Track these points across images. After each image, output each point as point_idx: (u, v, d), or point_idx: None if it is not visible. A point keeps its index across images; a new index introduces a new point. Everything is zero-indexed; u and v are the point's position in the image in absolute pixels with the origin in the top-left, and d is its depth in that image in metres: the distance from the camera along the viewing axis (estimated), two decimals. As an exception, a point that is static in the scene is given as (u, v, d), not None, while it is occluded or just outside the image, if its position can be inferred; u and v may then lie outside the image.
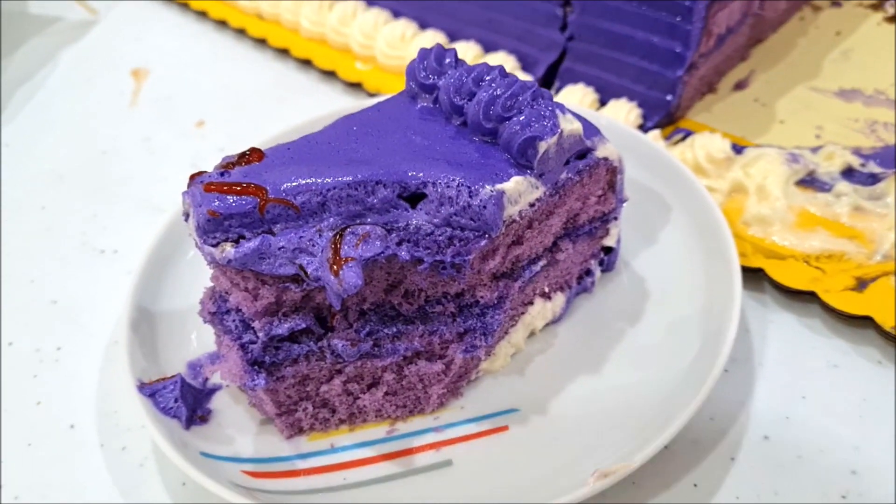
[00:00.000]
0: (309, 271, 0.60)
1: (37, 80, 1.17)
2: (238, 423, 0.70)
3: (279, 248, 0.60)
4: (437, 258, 0.62)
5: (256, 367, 0.64)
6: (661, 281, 0.77)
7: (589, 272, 0.76)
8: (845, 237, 0.79)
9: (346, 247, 0.60)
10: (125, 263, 0.88)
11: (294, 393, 0.67)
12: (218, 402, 0.71)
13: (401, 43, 1.08)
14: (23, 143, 1.07)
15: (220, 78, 1.14)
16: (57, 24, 1.28)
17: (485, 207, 0.61)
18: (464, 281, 0.64)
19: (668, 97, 0.92)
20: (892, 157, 0.86)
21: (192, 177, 0.64)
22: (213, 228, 0.60)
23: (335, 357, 0.66)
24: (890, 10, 1.09)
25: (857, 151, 0.87)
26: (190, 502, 0.68)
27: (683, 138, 0.91)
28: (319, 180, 0.61)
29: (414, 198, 0.62)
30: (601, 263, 0.77)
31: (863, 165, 0.85)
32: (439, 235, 0.62)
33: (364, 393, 0.68)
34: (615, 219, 0.75)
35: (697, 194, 0.79)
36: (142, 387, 0.68)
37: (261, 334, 0.63)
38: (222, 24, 1.24)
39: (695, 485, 0.66)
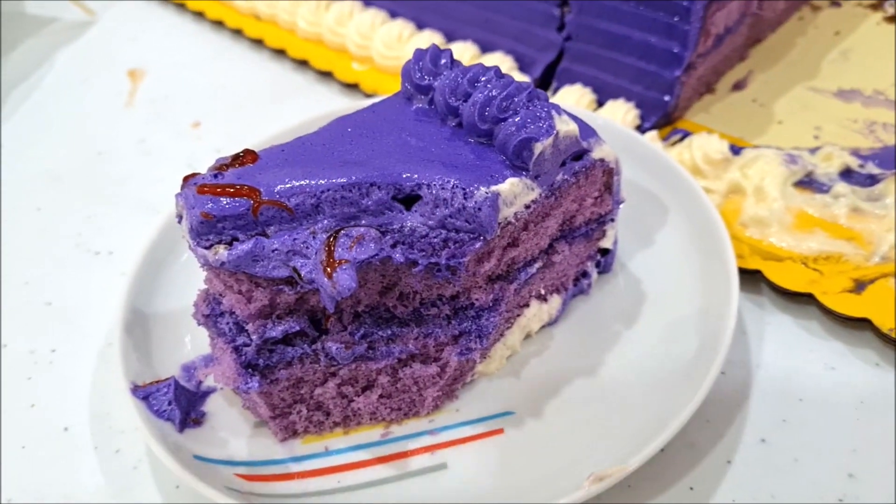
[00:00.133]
0: (303, 274, 0.60)
1: (33, 81, 1.16)
2: (232, 425, 0.69)
3: (273, 251, 0.60)
4: (432, 260, 0.62)
5: (250, 370, 0.64)
6: (658, 283, 0.77)
7: (585, 274, 0.76)
8: (843, 239, 0.79)
9: (340, 249, 0.59)
10: (120, 265, 0.88)
11: (288, 396, 0.67)
12: (212, 405, 0.70)
13: (397, 43, 1.07)
14: (19, 143, 1.06)
15: (216, 78, 1.14)
16: (53, 25, 1.28)
17: (480, 209, 0.60)
18: (459, 283, 0.64)
19: (666, 98, 0.92)
20: (891, 158, 0.86)
21: (186, 179, 0.64)
22: (207, 230, 0.60)
23: (329, 360, 0.65)
24: (889, 10, 1.09)
25: (855, 152, 0.87)
26: (184, 505, 0.68)
27: (681, 139, 0.91)
28: (313, 182, 0.60)
29: (408, 199, 0.62)
30: (598, 265, 0.77)
31: (861, 166, 0.85)
32: (434, 237, 0.61)
33: (358, 396, 0.68)
34: (612, 220, 0.75)
35: (694, 196, 0.79)
36: (135, 389, 0.68)
37: (254, 337, 0.63)
38: (219, 24, 1.24)
39: (691, 488, 0.65)
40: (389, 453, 0.67)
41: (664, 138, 0.92)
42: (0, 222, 0.95)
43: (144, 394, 0.67)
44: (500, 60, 1.02)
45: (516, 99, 0.64)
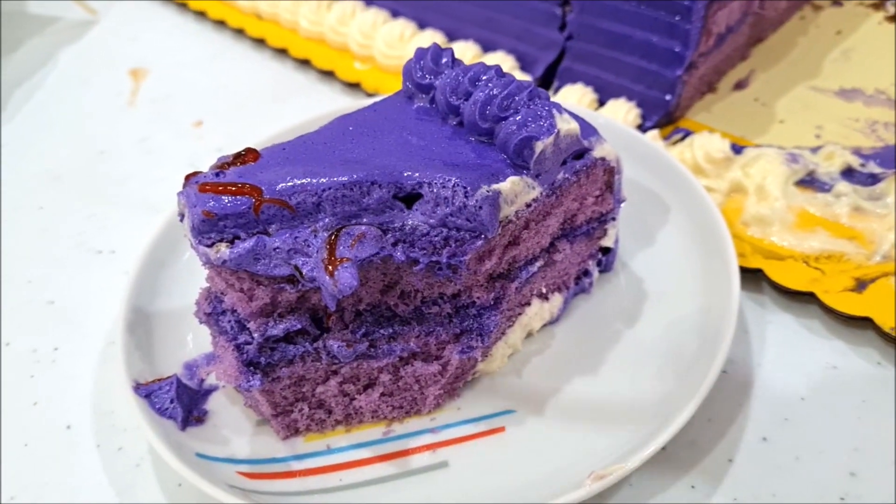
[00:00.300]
0: (304, 272, 0.60)
1: (35, 80, 1.17)
2: (234, 424, 0.69)
3: (274, 249, 0.60)
4: (433, 259, 0.62)
5: (252, 368, 0.64)
6: (660, 282, 0.77)
7: (587, 273, 0.76)
8: (845, 238, 0.79)
9: (341, 247, 0.60)
10: (122, 264, 0.88)
11: (290, 394, 0.67)
12: (214, 403, 0.71)
13: (399, 43, 1.08)
14: (21, 143, 1.06)
15: (218, 78, 1.14)
16: (56, 24, 1.28)
17: (481, 208, 0.61)
18: (460, 282, 0.64)
19: (668, 97, 0.92)
20: (893, 158, 0.86)
21: (188, 177, 0.64)
22: (208, 229, 0.60)
23: (331, 358, 0.66)
24: (891, 10, 1.09)
25: (857, 151, 0.87)
26: (186, 503, 0.68)
27: (682, 138, 0.91)
28: (315, 180, 0.60)
29: (410, 198, 0.62)
30: (599, 264, 0.77)
31: (863, 165, 0.85)
32: (435, 236, 0.62)
33: (360, 394, 0.68)
34: (613, 219, 0.75)
35: (696, 194, 0.79)
36: (138, 387, 0.68)
37: (256, 335, 0.63)
38: (221, 23, 1.24)
39: (692, 486, 0.65)
40: (391, 451, 0.67)
41: (665, 137, 0.92)
42: (2, 221, 0.95)
43: (146, 392, 0.68)
44: (502, 60, 1.02)
45: (517, 98, 0.64)
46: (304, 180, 0.61)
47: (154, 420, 0.66)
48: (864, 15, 1.09)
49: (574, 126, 0.65)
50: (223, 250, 0.60)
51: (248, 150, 0.65)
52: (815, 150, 0.88)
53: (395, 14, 1.12)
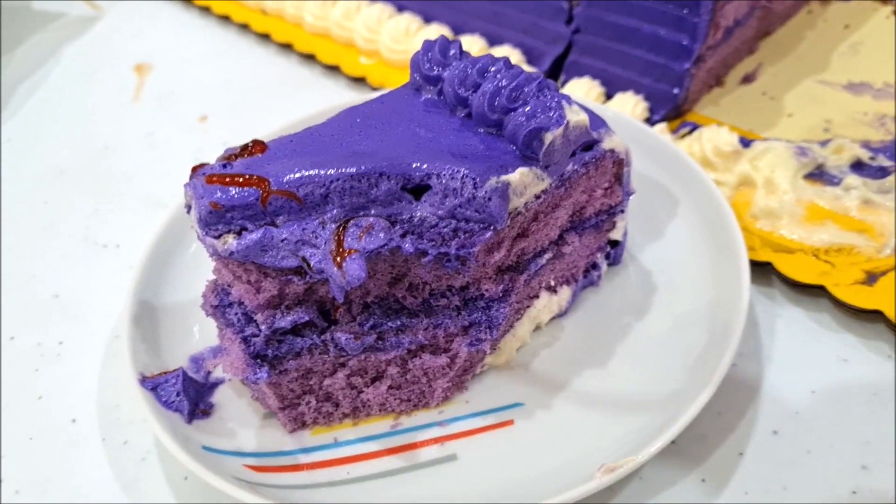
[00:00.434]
0: (312, 263, 0.59)
1: (39, 76, 1.16)
2: (241, 417, 0.69)
3: (282, 240, 0.60)
4: (442, 250, 0.62)
5: (259, 361, 0.64)
6: (668, 275, 0.76)
7: (595, 266, 0.76)
8: (854, 231, 0.78)
9: (349, 239, 0.59)
10: (127, 258, 0.88)
11: (297, 387, 0.66)
12: (220, 396, 0.70)
13: (405, 37, 1.07)
14: (25, 138, 1.06)
15: (223, 73, 1.14)
16: (60, 20, 1.28)
17: (490, 199, 0.60)
18: (468, 274, 0.63)
19: (675, 90, 0.91)
20: (902, 151, 0.85)
21: (195, 169, 0.63)
22: (216, 220, 0.60)
23: (338, 350, 0.65)
24: (898, 4, 1.09)
25: (866, 145, 0.86)
26: (192, 497, 0.67)
27: (690, 132, 0.90)
28: (322, 172, 0.60)
29: (418, 190, 0.61)
30: (607, 257, 0.77)
31: (872, 159, 0.84)
32: (444, 227, 0.61)
33: (368, 387, 0.68)
34: (622, 212, 0.74)
35: (705, 187, 0.78)
36: (143, 380, 0.67)
37: (263, 327, 0.62)
38: (225, 19, 1.24)
39: (703, 480, 0.65)
40: (399, 445, 0.67)
41: (673, 131, 0.91)
42: (7, 216, 0.95)
43: (153, 385, 0.67)
44: (508, 54, 1.01)
45: (526, 89, 0.63)
46: (311, 171, 0.60)
47: (160, 413, 0.65)
48: (871, 9, 1.08)
49: (583, 117, 0.64)
50: (230, 241, 0.59)
51: (255, 142, 0.65)
52: (823, 143, 0.87)
53: (401, 8, 1.12)
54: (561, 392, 0.68)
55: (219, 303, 0.66)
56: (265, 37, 1.18)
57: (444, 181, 0.60)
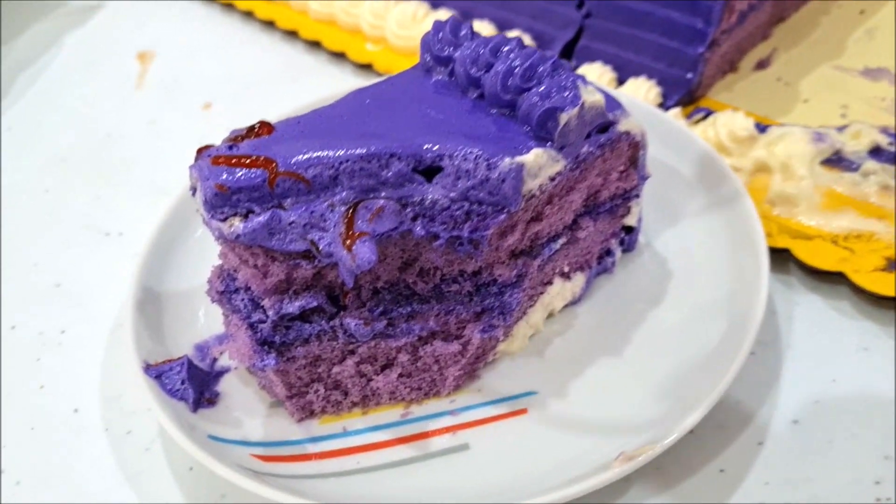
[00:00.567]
0: (321, 247, 0.58)
1: (40, 64, 1.15)
2: (247, 405, 0.67)
3: (290, 223, 0.58)
4: (454, 234, 0.60)
5: (266, 348, 0.62)
6: (684, 262, 0.74)
7: (609, 252, 0.74)
8: (874, 217, 0.77)
9: (359, 221, 0.58)
10: (130, 246, 0.86)
11: (305, 374, 0.65)
12: (226, 385, 0.69)
13: (412, 23, 1.05)
14: (26, 126, 1.05)
15: (227, 61, 1.12)
16: (61, 8, 1.26)
17: (504, 181, 0.59)
18: (481, 258, 0.62)
19: (689, 75, 0.89)
20: (921, 136, 0.83)
21: (200, 150, 0.62)
22: (221, 203, 0.58)
23: (348, 337, 0.63)
24: (914, -10, 1.07)
25: (884, 130, 0.84)
26: (198, 488, 0.66)
27: (704, 117, 0.89)
28: (331, 153, 0.59)
29: (429, 171, 0.60)
30: (622, 243, 0.75)
31: (891, 144, 0.82)
32: (456, 210, 0.60)
33: (377, 374, 0.66)
34: (637, 196, 0.72)
35: (721, 173, 0.77)
36: (148, 368, 0.66)
37: (270, 313, 0.61)
38: (229, 6, 1.22)
39: (721, 470, 0.63)
40: (409, 434, 0.65)
41: (687, 116, 0.89)
42: (8, 204, 0.93)
43: (157, 372, 0.66)
44: (518, 39, 1.00)
45: (540, 69, 0.62)
46: (320, 153, 0.59)
47: (165, 401, 0.64)
48: (886, -5, 1.07)
49: (599, 98, 0.63)
50: (237, 224, 0.58)
51: (262, 124, 0.63)
52: (841, 129, 0.85)
53: (408, -6, 1.10)
54: (575, 380, 0.67)
55: (225, 288, 0.65)
56: (270, 24, 1.16)
57: (456, 162, 0.59)
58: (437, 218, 0.60)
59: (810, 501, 0.61)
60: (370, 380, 0.66)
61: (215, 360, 0.70)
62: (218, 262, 0.66)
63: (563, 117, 0.60)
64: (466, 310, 0.65)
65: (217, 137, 0.96)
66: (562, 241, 0.67)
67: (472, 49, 0.64)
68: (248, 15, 1.19)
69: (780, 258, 0.76)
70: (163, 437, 0.69)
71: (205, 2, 1.25)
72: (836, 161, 0.82)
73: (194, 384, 0.66)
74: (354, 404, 0.67)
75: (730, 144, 0.83)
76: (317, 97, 0.86)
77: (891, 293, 0.70)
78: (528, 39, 1.00)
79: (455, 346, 0.65)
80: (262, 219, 0.58)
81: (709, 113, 0.89)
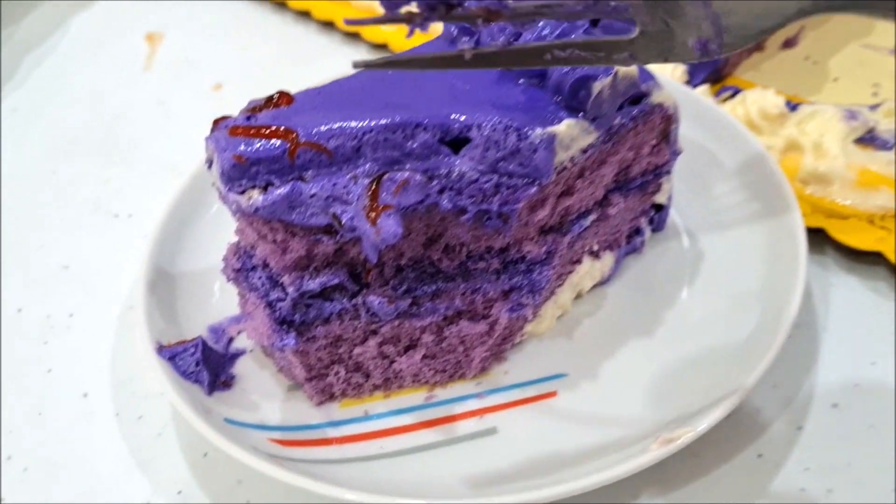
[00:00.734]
0: (343, 221, 0.55)
1: (48, 46, 1.12)
2: (264, 388, 0.65)
3: (311, 196, 0.55)
4: (483, 207, 0.57)
5: (285, 327, 0.59)
6: (715, 241, 0.72)
7: (639, 231, 0.71)
8: (911, 196, 0.74)
9: (383, 194, 0.55)
10: (140, 227, 0.83)
11: (325, 355, 0.62)
12: (241, 368, 0.66)
13: (428, 2, 1.02)
14: (33, 108, 1.02)
15: (237, 41, 1.09)
16: (67, -10, 1.24)
17: (535, 151, 0.56)
18: (509, 234, 0.59)
19: (716, 53, 0.87)
20: (957, 115, 0.81)
21: (216, 121, 0.60)
22: (239, 175, 0.55)
23: (370, 316, 0.61)
24: (942, -31, 1.04)
25: (918, 108, 0.82)
26: (212, 474, 0.63)
27: (732, 95, 0.86)
28: (354, 123, 0.56)
29: (457, 143, 0.57)
30: (651, 222, 0.72)
31: (926, 122, 0.80)
32: (485, 183, 0.57)
33: (400, 356, 0.63)
34: (668, 173, 0.70)
35: (753, 151, 0.74)
36: (161, 349, 0.63)
37: (290, 290, 0.58)
38: (239, -13, 1.19)
39: (759, 455, 0.61)
40: (434, 418, 0.62)
41: (714, 95, 0.87)
42: (15, 186, 0.91)
43: (170, 354, 0.63)
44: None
45: (572, 37, 0.59)
46: (342, 123, 0.56)
47: (179, 384, 0.61)
48: (914, -26, 1.04)
49: (632, 68, 0.60)
50: (256, 197, 0.55)
51: (281, 94, 0.61)
52: (873, 107, 0.83)
53: (423, -26, 1.07)
54: (606, 362, 0.64)
55: (241, 266, 0.62)
56: (281, 4, 1.13)
57: (485, 133, 0.56)
58: (464, 191, 0.57)
59: (853, 487, 0.58)
60: (393, 361, 0.64)
61: (230, 341, 0.67)
62: (231, 241, 0.63)
63: (597, 86, 0.57)
64: (494, 288, 0.62)
65: (228, 118, 0.94)
66: (592, 217, 0.65)
67: (499, 17, 0.61)
68: (259, -5, 1.16)
69: (814, 238, 0.73)
70: (176, 421, 0.66)
71: (213, -17, 1.22)
72: (870, 140, 0.80)
73: (209, 366, 0.63)
74: (376, 387, 0.65)
75: (760, 122, 0.81)
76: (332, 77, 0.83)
77: (931, 273, 0.68)
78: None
79: (482, 326, 0.62)
80: (282, 191, 0.55)
81: (736, 91, 0.87)
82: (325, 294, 0.60)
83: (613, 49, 0.46)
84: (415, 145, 0.56)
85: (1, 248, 0.84)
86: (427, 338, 0.63)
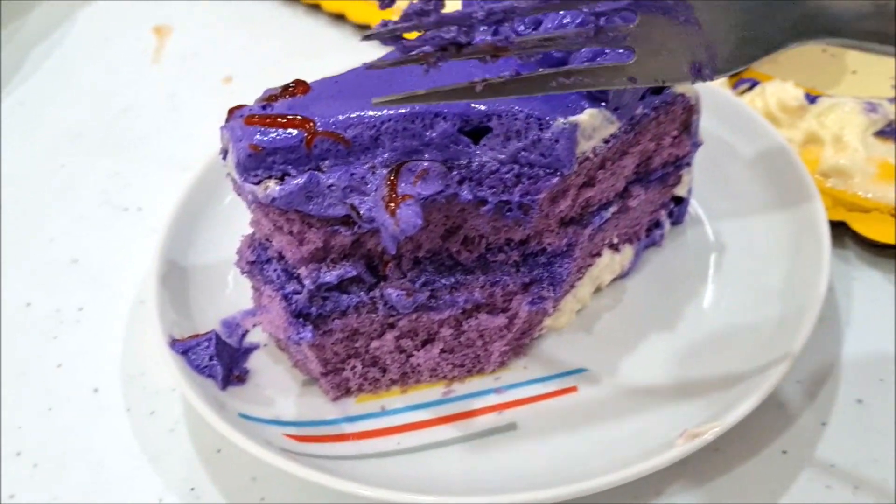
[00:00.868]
0: (362, 211, 0.54)
1: (54, 39, 1.11)
2: (278, 383, 0.64)
3: (328, 187, 0.54)
4: (503, 198, 0.56)
5: (301, 320, 0.58)
6: (735, 235, 0.71)
7: (658, 224, 0.70)
8: (933, 190, 0.73)
9: (402, 184, 0.54)
10: (150, 221, 0.82)
11: (342, 349, 0.61)
12: (255, 362, 0.65)
13: (440, -6, 1.01)
14: (40, 101, 1.01)
15: (247, 34, 1.08)
16: (74, -17, 1.22)
17: (557, 141, 0.55)
18: (530, 225, 0.58)
19: (733, 45, 0.85)
20: (978, 108, 0.80)
21: (231, 110, 0.59)
22: (255, 165, 0.54)
23: (388, 309, 0.60)
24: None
25: (939, 101, 0.81)
26: (225, 470, 0.62)
27: (750, 88, 0.85)
28: (372, 113, 0.55)
29: (476, 132, 0.56)
30: (670, 215, 0.71)
31: (946, 115, 0.79)
32: (505, 173, 0.56)
33: (418, 350, 0.62)
34: (688, 165, 0.69)
35: (773, 143, 0.73)
36: (174, 343, 0.62)
37: (307, 282, 0.57)
38: (247, -20, 1.18)
39: (784, 451, 0.59)
40: (452, 413, 0.61)
41: (732, 87, 0.86)
42: (23, 179, 0.90)
43: (183, 348, 0.62)
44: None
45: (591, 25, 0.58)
46: (360, 112, 0.55)
47: (193, 378, 0.60)
48: (930, -33, 1.03)
49: (654, 57, 0.59)
50: (272, 187, 0.54)
51: (298, 82, 0.59)
52: (892, 100, 0.81)
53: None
54: (627, 357, 0.63)
55: (256, 258, 0.61)
56: (291, -4, 1.12)
57: (505, 122, 0.55)
58: (484, 181, 0.56)
59: (879, 484, 0.57)
60: (410, 356, 0.62)
61: (244, 335, 0.66)
62: (243, 233, 0.62)
63: (619, 75, 0.56)
64: (513, 281, 0.61)
65: (239, 111, 0.93)
66: (613, 209, 0.64)
67: (519, 5, 0.60)
68: (268, -12, 1.15)
69: (835, 231, 0.72)
70: (188, 417, 0.65)
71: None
72: (890, 132, 0.79)
73: (223, 361, 0.62)
74: (393, 382, 0.63)
75: (780, 115, 0.80)
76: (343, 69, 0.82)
77: (956, 267, 0.67)
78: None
79: (501, 320, 0.61)
80: (299, 181, 0.54)
81: (754, 83, 0.85)
82: (341, 287, 0.59)
83: (614, 74, 0.50)
84: (434, 135, 0.55)
85: (9, 242, 0.82)
86: (445, 331, 0.62)
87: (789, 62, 0.90)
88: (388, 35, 0.50)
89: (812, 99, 0.81)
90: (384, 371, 0.63)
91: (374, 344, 0.61)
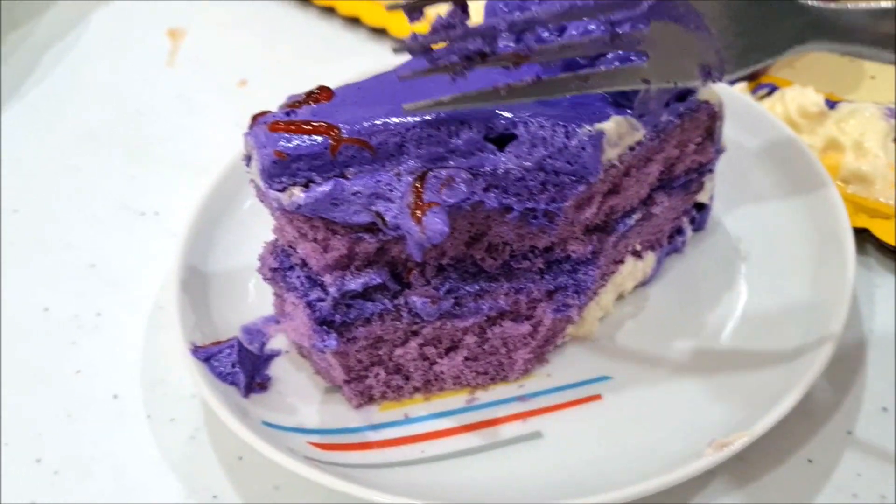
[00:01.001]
0: (387, 219, 0.54)
1: (67, 42, 1.10)
2: (301, 391, 0.63)
3: (354, 194, 0.54)
4: (529, 205, 0.56)
5: (325, 327, 0.58)
6: (758, 242, 0.70)
7: (680, 231, 0.70)
8: (955, 196, 0.73)
9: (428, 192, 0.54)
10: (167, 225, 0.82)
11: (365, 357, 0.61)
12: (277, 370, 0.65)
13: (456, -2, 1.01)
14: (54, 104, 1.00)
15: (261, 38, 1.08)
16: (86, -14, 1.22)
17: (583, 149, 0.55)
18: (555, 232, 0.58)
19: (752, 50, 0.85)
20: None
21: (255, 117, 0.58)
22: (280, 172, 0.54)
23: (412, 316, 0.59)
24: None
25: (960, 107, 0.80)
26: (247, 478, 0.62)
27: (769, 93, 0.85)
28: (397, 119, 0.55)
29: (502, 140, 0.56)
30: (692, 221, 0.71)
31: (968, 121, 0.79)
32: (531, 181, 0.56)
33: (442, 358, 0.62)
34: (710, 171, 0.69)
35: (794, 149, 0.73)
36: (196, 350, 0.62)
37: (332, 289, 0.57)
38: (261, -17, 1.17)
39: (809, 460, 0.59)
40: (477, 421, 0.61)
41: (751, 92, 0.85)
42: (38, 183, 0.90)
43: (206, 355, 0.62)
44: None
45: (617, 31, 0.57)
46: (385, 119, 0.55)
47: (215, 386, 0.60)
48: (947, -29, 1.02)
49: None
50: (298, 194, 0.54)
51: (322, 89, 0.59)
52: (913, 105, 0.81)
53: (449, -31, 1.06)
54: (651, 365, 0.63)
55: (279, 265, 0.61)
56: (305, 0, 1.12)
57: (531, 129, 0.55)
58: (510, 189, 0.56)
59: (908, 494, 0.57)
60: (433, 363, 0.62)
61: (265, 342, 0.66)
62: (264, 239, 0.62)
63: (645, 83, 0.56)
64: (538, 288, 0.61)
65: (254, 115, 0.93)
66: (636, 216, 0.63)
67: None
68: (282, -8, 1.15)
69: (857, 238, 0.71)
70: (209, 424, 0.65)
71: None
72: (912, 139, 0.78)
73: (245, 368, 0.62)
74: (416, 389, 0.63)
75: (799, 120, 0.79)
76: (358, 74, 0.82)
77: (980, 275, 0.67)
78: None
79: (525, 327, 0.61)
80: (325, 188, 0.54)
81: (773, 88, 0.85)
82: (366, 294, 0.59)
83: (629, 76, 0.53)
84: (459, 142, 0.55)
85: (25, 246, 0.82)
86: (469, 339, 0.61)
87: (807, 67, 0.89)
88: (418, 47, 0.52)
89: (832, 104, 0.81)
90: (407, 378, 0.63)
91: (398, 351, 0.61)
